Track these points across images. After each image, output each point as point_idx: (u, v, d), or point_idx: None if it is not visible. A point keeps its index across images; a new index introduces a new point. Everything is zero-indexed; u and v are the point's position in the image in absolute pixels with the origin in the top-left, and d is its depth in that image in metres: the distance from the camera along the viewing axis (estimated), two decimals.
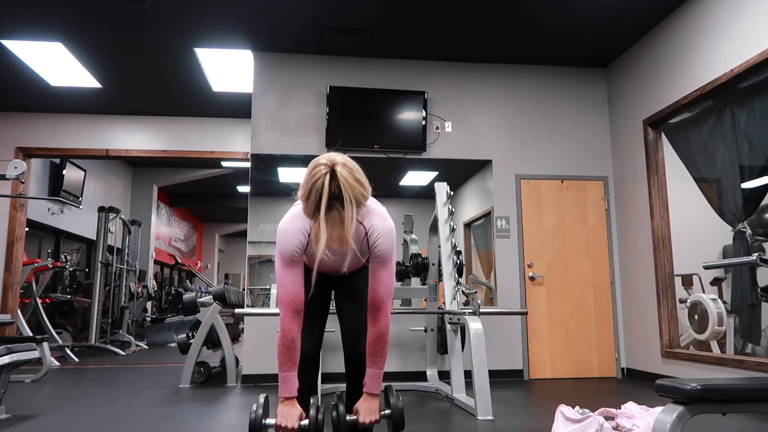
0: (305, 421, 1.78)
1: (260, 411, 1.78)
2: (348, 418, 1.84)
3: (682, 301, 4.40)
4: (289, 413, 1.77)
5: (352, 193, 1.63)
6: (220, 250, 16.36)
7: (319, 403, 1.83)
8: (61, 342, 6.32)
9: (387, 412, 1.87)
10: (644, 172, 4.73)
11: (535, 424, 3.07)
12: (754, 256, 2.15)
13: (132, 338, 7.70)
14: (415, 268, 4.48)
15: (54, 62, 5.19)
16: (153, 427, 2.99)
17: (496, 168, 5.14)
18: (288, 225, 1.80)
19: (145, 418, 3.22)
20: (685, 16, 4.28)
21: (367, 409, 1.83)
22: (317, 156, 1.72)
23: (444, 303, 3.87)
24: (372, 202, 1.83)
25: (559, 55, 5.16)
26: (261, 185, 4.94)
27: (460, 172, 5.46)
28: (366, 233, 1.80)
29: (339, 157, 1.68)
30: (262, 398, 1.84)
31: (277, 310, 3.93)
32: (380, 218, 1.82)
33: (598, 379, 4.83)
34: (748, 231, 4.14)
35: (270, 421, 1.79)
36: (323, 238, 1.62)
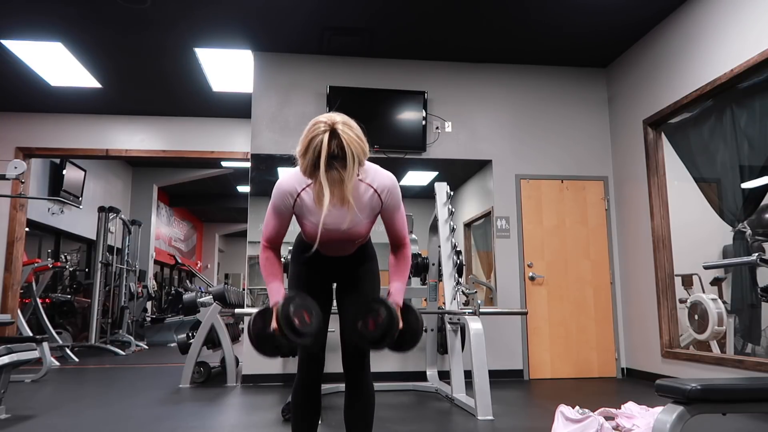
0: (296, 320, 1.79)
1: (259, 323, 1.78)
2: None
3: (682, 301, 4.40)
4: None
5: (355, 150, 1.62)
6: (220, 250, 16.36)
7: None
8: (61, 342, 6.32)
9: (407, 324, 1.90)
10: (644, 172, 4.73)
11: (535, 424, 3.07)
12: (754, 256, 2.15)
13: (132, 338, 7.70)
14: (415, 268, 4.48)
15: (54, 62, 5.19)
16: (153, 427, 2.99)
17: (496, 168, 5.15)
18: (283, 182, 1.83)
19: (145, 418, 3.22)
20: (685, 16, 4.28)
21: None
22: None
23: (444, 303, 3.87)
24: (367, 162, 1.84)
25: (559, 55, 5.16)
26: (261, 185, 4.94)
27: (460, 172, 5.46)
28: (375, 191, 1.82)
29: (339, 117, 1.67)
30: (255, 312, 1.83)
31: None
32: (381, 174, 1.85)
33: (598, 379, 4.83)
34: (748, 231, 4.14)
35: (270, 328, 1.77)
36: (327, 195, 1.62)
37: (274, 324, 1.72)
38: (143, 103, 6.33)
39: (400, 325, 1.83)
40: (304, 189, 1.79)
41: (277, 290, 1.83)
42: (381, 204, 1.85)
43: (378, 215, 1.91)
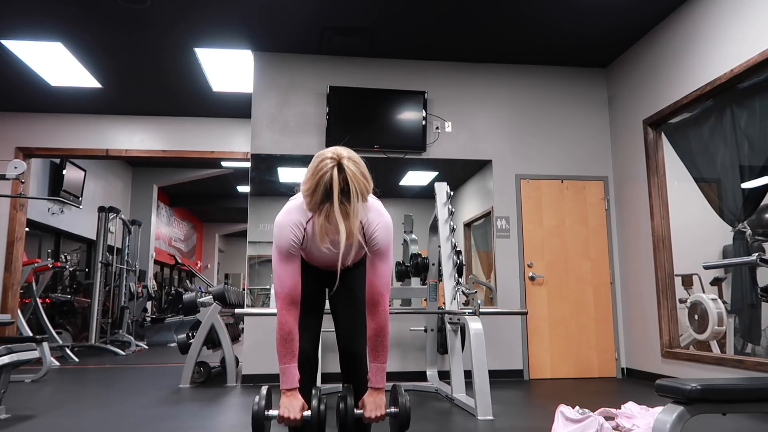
0: (308, 412, 1.79)
1: (263, 403, 1.78)
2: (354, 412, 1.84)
3: (682, 301, 4.40)
4: (291, 404, 1.77)
5: (358, 187, 1.64)
6: (220, 250, 16.36)
7: (321, 394, 1.83)
8: (61, 342, 6.32)
9: (393, 410, 1.86)
10: (644, 172, 4.73)
11: (535, 424, 3.07)
12: (754, 256, 2.14)
13: (132, 338, 7.70)
14: (415, 268, 4.48)
15: (54, 62, 5.19)
16: (153, 428, 2.99)
17: (496, 168, 5.14)
18: (284, 218, 1.80)
19: (145, 419, 3.22)
20: (685, 16, 4.28)
21: (373, 404, 1.82)
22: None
23: (444, 303, 3.87)
24: (369, 197, 1.84)
25: (559, 55, 5.16)
26: (261, 185, 4.94)
27: (460, 172, 5.46)
28: (362, 227, 1.80)
29: (344, 151, 1.68)
30: (264, 390, 1.84)
31: (274, 310, 3.94)
32: (376, 212, 1.83)
33: (598, 379, 4.83)
34: (748, 231, 4.14)
35: (273, 412, 1.79)
36: (342, 228, 1.62)
37: (281, 412, 1.75)
38: (143, 103, 6.33)
39: (382, 411, 1.82)
40: (309, 220, 1.78)
41: (291, 375, 1.79)
42: (365, 240, 1.81)
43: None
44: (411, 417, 1.86)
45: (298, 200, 1.79)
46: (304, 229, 1.79)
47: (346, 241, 1.67)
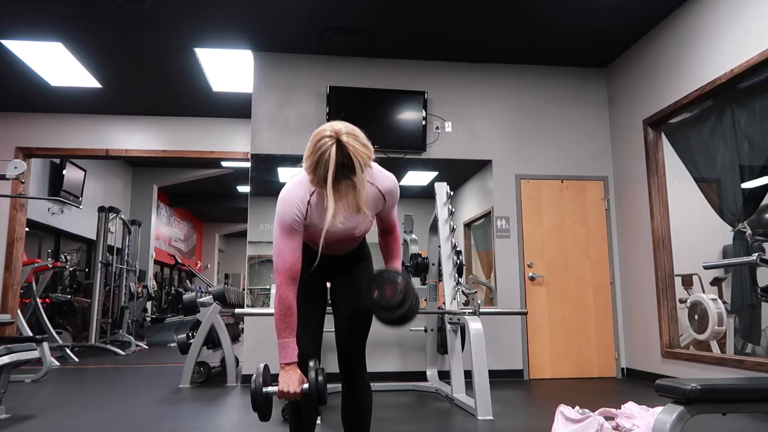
0: (306, 385, 1.79)
1: (260, 380, 1.77)
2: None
3: (682, 301, 4.40)
4: (291, 378, 1.78)
5: (362, 159, 1.65)
6: (220, 250, 16.36)
7: (319, 366, 1.83)
8: (61, 342, 6.32)
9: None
10: (644, 172, 4.73)
11: (535, 424, 3.07)
12: (754, 256, 2.14)
13: (132, 338, 7.70)
14: (415, 268, 4.48)
15: (54, 62, 5.19)
16: (153, 427, 2.99)
17: (496, 168, 5.14)
18: (289, 193, 1.81)
19: (145, 419, 3.22)
20: (685, 16, 4.28)
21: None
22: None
23: (444, 303, 3.87)
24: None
25: (559, 55, 5.16)
26: (261, 185, 4.94)
27: (460, 172, 5.46)
28: (382, 194, 1.87)
29: (342, 126, 1.68)
30: (261, 367, 1.83)
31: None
32: (384, 176, 1.91)
33: (598, 379, 4.83)
34: (748, 231, 4.14)
35: (272, 388, 1.78)
36: (331, 206, 1.63)
37: (280, 387, 1.75)
38: (143, 103, 6.33)
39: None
40: (312, 194, 1.79)
41: (290, 349, 1.80)
42: (384, 203, 1.90)
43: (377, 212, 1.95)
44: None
45: (302, 174, 1.79)
46: (308, 203, 1.80)
47: (354, 214, 1.74)
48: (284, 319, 1.82)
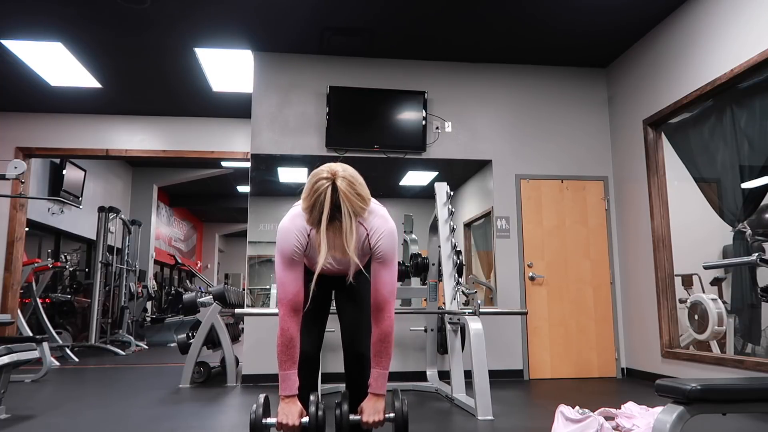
0: (306, 419, 1.79)
1: (260, 410, 1.78)
2: (351, 417, 1.84)
3: (682, 301, 4.40)
4: (290, 411, 1.78)
5: (350, 207, 1.65)
6: (220, 250, 16.35)
7: (319, 401, 1.83)
8: (61, 342, 6.32)
9: (391, 415, 1.86)
10: (644, 172, 4.73)
11: (535, 424, 3.07)
12: (754, 256, 2.14)
13: (132, 338, 7.70)
14: (415, 268, 4.48)
15: (54, 62, 5.19)
16: (153, 428, 2.99)
17: (496, 168, 5.14)
18: (289, 225, 1.81)
19: (145, 419, 3.22)
20: (685, 16, 4.28)
21: (371, 409, 1.83)
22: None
23: (444, 303, 3.87)
24: (373, 203, 1.84)
25: (559, 55, 5.16)
26: (261, 185, 4.94)
27: (460, 172, 5.46)
28: (367, 234, 1.81)
29: (340, 169, 1.69)
30: (262, 398, 1.84)
31: (276, 310, 3.93)
32: (381, 219, 1.83)
33: (598, 379, 4.83)
34: (748, 231, 4.14)
35: (271, 420, 1.80)
36: (324, 249, 1.64)
37: (279, 418, 1.76)
38: (143, 103, 6.33)
39: (380, 417, 1.82)
40: (312, 228, 1.79)
41: (291, 382, 1.81)
42: (370, 247, 1.83)
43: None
44: (409, 421, 1.85)
45: (293, 214, 1.80)
46: (308, 235, 1.80)
47: (341, 256, 1.70)
48: (286, 351, 1.83)
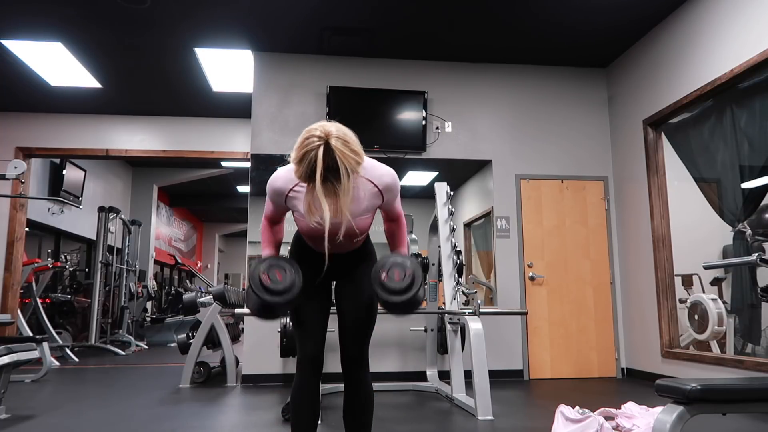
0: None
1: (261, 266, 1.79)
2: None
3: (682, 301, 4.40)
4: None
5: (348, 165, 1.63)
6: (220, 250, 16.36)
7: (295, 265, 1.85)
8: (61, 342, 6.32)
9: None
10: (644, 172, 4.73)
11: (535, 424, 3.07)
12: (754, 256, 2.14)
13: (132, 338, 7.70)
14: None
15: (54, 62, 5.19)
16: (153, 428, 2.99)
17: (496, 168, 5.14)
18: (277, 173, 1.86)
19: (145, 419, 3.22)
20: (685, 16, 4.28)
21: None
22: None
23: (444, 303, 3.87)
24: (367, 159, 1.85)
25: (559, 55, 5.16)
26: (261, 185, 4.94)
27: (460, 172, 5.46)
28: (379, 189, 1.84)
29: (333, 128, 1.67)
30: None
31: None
32: (380, 168, 1.87)
33: (598, 379, 4.83)
34: (748, 231, 4.14)
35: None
36: (326, 209, 1.62)
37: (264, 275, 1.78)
38: (143, 103, 6.33)
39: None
40: (292, 189, 1.80)
41: (270, 252, 1.92)
42: (382, 199, 1.88)
43: (377, 207, 1.92)
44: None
45: (289, 166, 1.79)
46: (292, 188, 1.81)
47: (339, 219, 1.68)
48: (263, 235, 1.97)
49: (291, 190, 1.81)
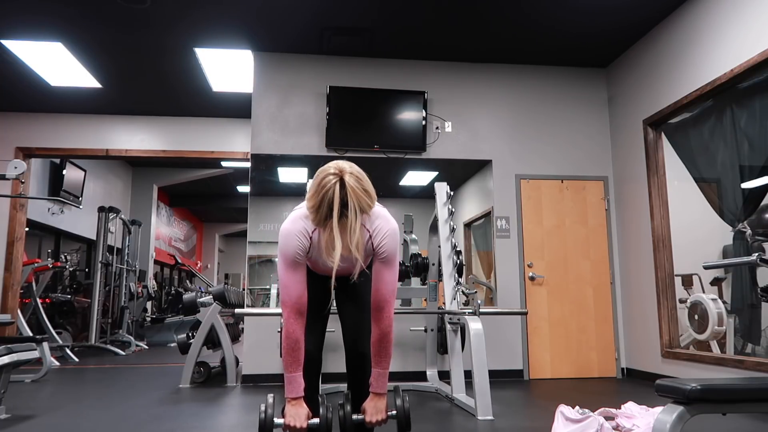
0: (314, 420, 1.80)
1: (270, 411, 1.79)
2: (354, 417, 1.84)
3: (682, 301, 4.40)
4: (297, 413, 1.79)
5: (358, 203, 1.65)
6: (220, 250, 16.35)
7: (325, 399, 1.84)
8: (61, 342, 6.32)
9: (393, 412, 1.87)
10: (644, 172, 4.73)
11: (535, 424, 3.07)
12: (754, 256, 2.14)
13: (132, 338, 7.70)
14: (415, 268, 4.48)
15: (54, 62, 5.19)
16: (153, 428, 2.99)
17: (496, 168, 5.15)
18: (290, 227, 1.81)
19: (145, 419, 3.22)
20: (685, 16, 4.28)
21: (373, 409, 1.83)
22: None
23: (444, 303, 3.87)
24: (375, 206, 1.84)
25: (559, 55, 5.16)
26: (261, 185, 4.94)
27: (460, 172, 5.46)
28: (371, 235, 1.81)
29: (347, 166, 1.69)
30: (270, 398, 1.84)
31: (276, 310, 3.93)
32: (384, 220, 1.84)
33: (598, 379, 4.83)
34: (748, 231, 4.14)
35: (279, 420, 1.80)
36: (338, 245, 1.63)
37: (287, 421, 1.77)
38: (143, 103, 6.33)
39: (383, 416, 1.83)
40: (315, 230, 1.79)
41: (297, 384, 1.81)
42: (374, 248, 1.83)
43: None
44: (411, 418, 1.87)
45: (303, 209, 1.80)
46: (310, 237, 1.80)
47: (347, 254, 1.68)
48: (291, 354, 1.82)
49: (314, 231, 1.79)
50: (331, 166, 1.68)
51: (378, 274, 1.84)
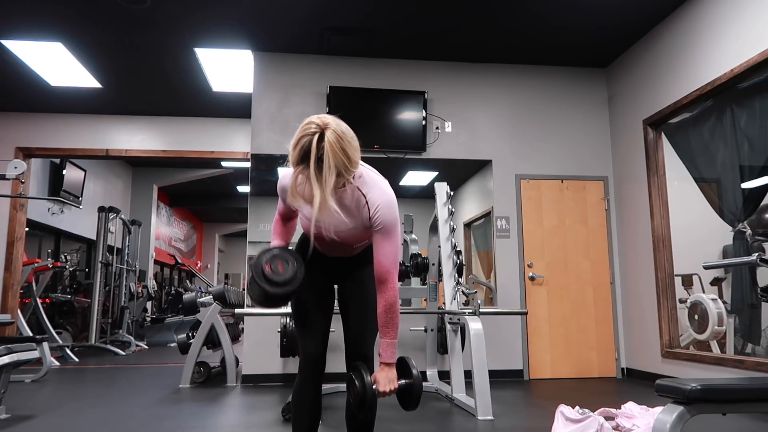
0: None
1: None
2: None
3: (682, 301, 4.40)
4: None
5: (333, 160, 1.60)
6: (220, 250, 16.36)
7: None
8: (61, 342, 6.32)
9: (404, 381, 1.87)
10: (644, 172, 4.73)
11: (535, 424, 3.07)
12: (754, 256, 2.14)
13: (132, 338, 7.70)
14: (415, 268, 4.48)
15: (54, 62, 5.19)
16: (153, 427, 2.99)
17: (496, 168, 5.15)
18: (281, 180, 1.94)
19: (145, 419, 3.22)
20: (685, 16, 4.28)
21: (385, 379, 1.82)
22: None
23: (444, 303, 3.87)
24: (373, 174, 1.83)
25: (559, 55, 5.16)
26: (261, 185, 4.94)
27: (460, 172, 5.46)
28: (367, 204, 1.79)
29: (332, 121, 1.66)
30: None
31: (276, 310, 3.92)
32: (379, 190, 1.80)
33: (598, 379, 4.83)
34: (748, 231, 4.14)
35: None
36: (317, 192, 1.61)
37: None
38: (143, 103, 6.33)
39: (394, 385, 1.81)
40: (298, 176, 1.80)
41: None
42: (369, 218, 1.80)
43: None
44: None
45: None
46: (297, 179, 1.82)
47: (323, 212, 1.64)
48: (274, 228, 2.04)
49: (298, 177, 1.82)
50: (317, 117, 1.65)
51: (377, 245, 1.81)
